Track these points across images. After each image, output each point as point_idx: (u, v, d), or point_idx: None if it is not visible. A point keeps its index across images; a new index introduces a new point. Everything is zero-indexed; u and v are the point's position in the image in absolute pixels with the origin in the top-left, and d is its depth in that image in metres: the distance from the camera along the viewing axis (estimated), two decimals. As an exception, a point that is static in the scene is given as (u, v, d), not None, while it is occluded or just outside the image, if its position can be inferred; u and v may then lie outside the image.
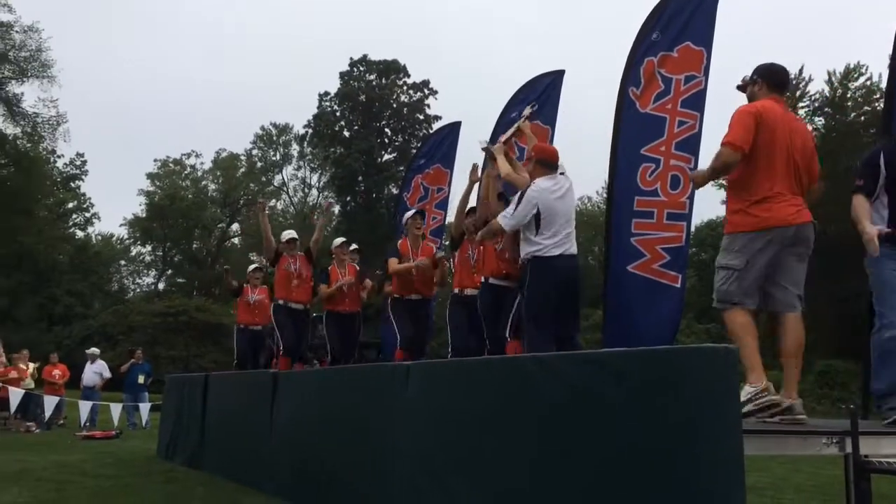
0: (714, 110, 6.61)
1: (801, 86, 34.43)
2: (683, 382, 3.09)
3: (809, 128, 33.82)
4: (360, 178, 44.06)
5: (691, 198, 6.87)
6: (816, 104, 34.17)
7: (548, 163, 5.92)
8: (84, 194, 48.02)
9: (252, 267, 10.41)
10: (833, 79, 33.22)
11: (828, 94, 33.51)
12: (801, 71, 34.45)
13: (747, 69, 4.61)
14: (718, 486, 2.91)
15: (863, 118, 31.84)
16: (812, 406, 27.28)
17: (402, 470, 4.79)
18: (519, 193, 5.77)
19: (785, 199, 4.18)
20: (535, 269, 5.58)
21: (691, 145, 6.95)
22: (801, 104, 34.61)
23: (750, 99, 4.46)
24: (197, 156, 55.52)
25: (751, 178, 4.20)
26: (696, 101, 6.97)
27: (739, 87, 4.61)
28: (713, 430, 2.97)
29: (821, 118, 34.39)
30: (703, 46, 6.97)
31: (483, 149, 6.56)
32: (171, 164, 55.30)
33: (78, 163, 46.22)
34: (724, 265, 4.27)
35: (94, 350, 17.18)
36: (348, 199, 45.19)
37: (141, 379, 16.29)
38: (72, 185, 46.98)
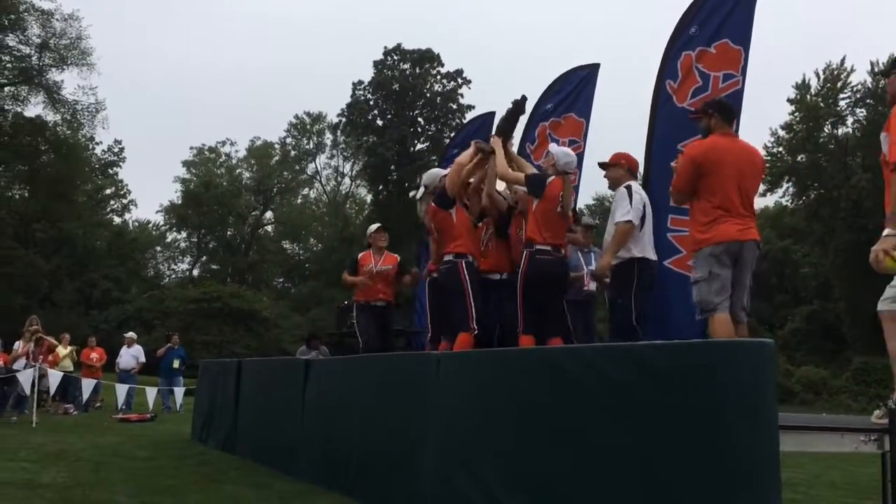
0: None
1: (842, 76, 33.80)
2: (719, 376, 3.07)
3: (850, 120, 32.98)
4: (392, 167, 44.14)
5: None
6: (858, 95, 33.52)
7: (635, 173, 5.93)
8: (122, 181, 48.83)
9: (375, 227, 8.33)
10: (876, 69, 32.51)
11: (870, 86, 32.81)
12: (842, 61, 33.86)
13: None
14: (754, 480, 2.89)
15: (906, 110, 31.11)
16: (848, 403, 26.91)
17: (432, 458, 4.81)
18: (623, 193, 5.62)
19: (731, 219, 4.69)
20: (643, 269, 5.48)
21: None
22: (842, 95, 33.98)
23: (705, 130, 5.05)
24: (231, 144, 56.21)
25: (702, 205, 4.77)
26: (734, 101, 6.87)
27: (693, 116, 5.31)
28: (749, 423, 2.94)
29: (862, 109, 33.72)
30: (742, 45, 6.89)
31: (479, 148, 6.35)
32: (206, 152, 55.96)
33: (116, 150, 46.94)
34: (693, 279, 4.78)
35: (132, 334, 17.48)
36: (381, 188, 45.32)
37: (176, 364, 16.56)
38: (110, 171, 47.71)
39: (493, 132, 6.72)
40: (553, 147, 6.57)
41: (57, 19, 34.07)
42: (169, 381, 16.37)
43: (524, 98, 6.64)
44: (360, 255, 8.13)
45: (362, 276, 7.76)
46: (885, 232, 3.81)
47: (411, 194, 8.15)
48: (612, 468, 3.42)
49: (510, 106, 6.60)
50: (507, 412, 4.24)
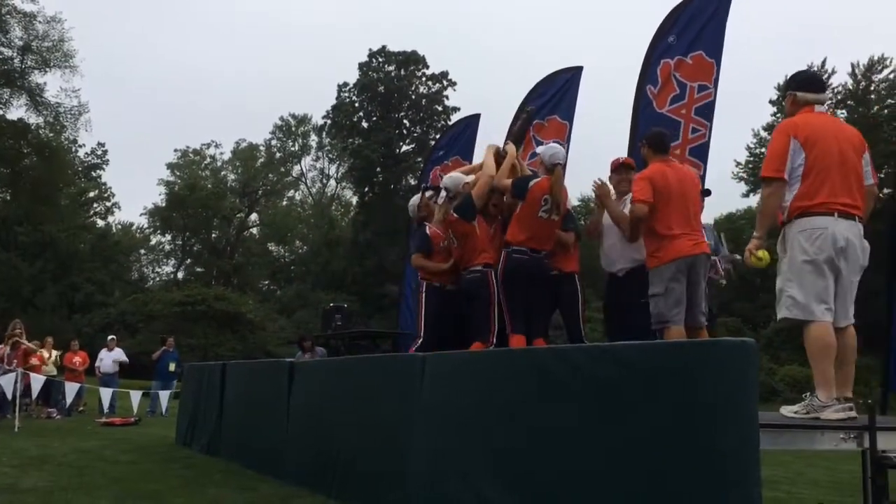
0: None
1: (823, 78, 34.06)
2: (700, 375, 3.10)
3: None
4: (378, 169, 44.12)
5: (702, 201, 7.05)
6: (839, 97, 33.79)
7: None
8: (105, 184, 48.58)
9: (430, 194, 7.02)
10: (857, 71, 32.84)
11: (851, 87, 33.12)
12: (823, 63, 34.07)
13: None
14: (735, 477, 2.91)
15: (886, 111, 31.45)
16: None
17: (419, 460, 4.81)
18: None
19: (684, 235, 5.11)
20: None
21: (702, 153, 7.16)
22: (823, 97, 34.20)
23: (644, 160, 5.47)
24: (216, 146, 56.02)
25: (658, 226, 5.14)
26: (707, 111, 7.18)
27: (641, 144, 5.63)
28: (729, 422, 2.97)
29: (843, 111, 33.99)
30: (714, 58, 7.26)
31: (497, 150, 6.43)
32: (190, 155, 55.73)
33: (99, 152, 46.70)
34: (650, 294, 5.11)
35: (112, 337, 17.40)
36: (366, 189, 45.28)
37: (171, 367, 16.45)
38: (93, 174, 47.44)
39: (507, 138, 6.89)
40: (539, 148, 6.62)
41: (39, 21, 33.86)
42: (164, 384, 16.25)
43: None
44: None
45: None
46: (754, 234, 4.25)
47: (425, 195, 7.79)
48: (598, 468, 3.44)
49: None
50: (494, 413, 4.25)
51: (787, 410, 4.13)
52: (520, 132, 6.65)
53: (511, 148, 6.37)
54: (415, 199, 7.11)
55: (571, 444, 3.62)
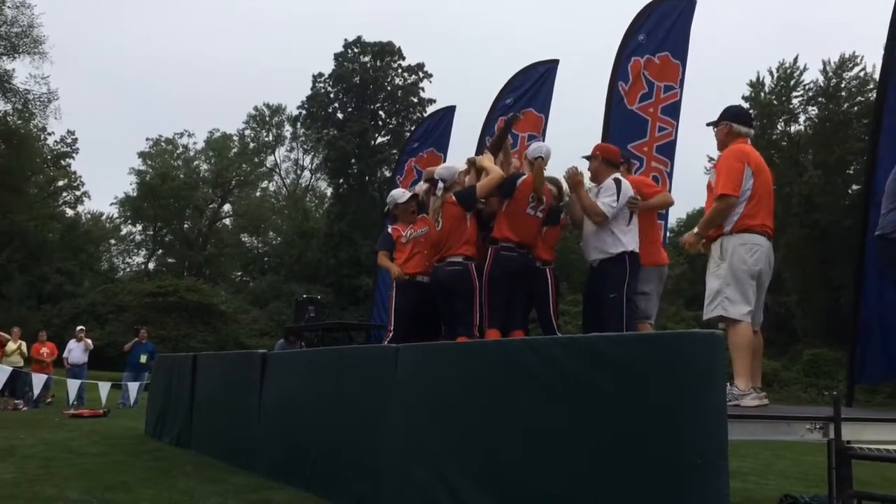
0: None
1: (795, 75, 34.48)
2: (670, 367, 3.12)
3: (802, 118, 33.85)
4: (353, 160, 43.92)
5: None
6: (811, 94, 34.23)
7: (613, 162, 5.85)
8: (74, 172, 47.71)
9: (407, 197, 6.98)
10: (828, 68, 33.25)
11: (822, 84, 33.54)
12: (795, 60, 34.53)
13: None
14: (701, 467, 2.94)
15: (856, 108, 31.90)
16: (799, 395, 27.55)
17: (392, 452, 4.81)
18: (611, 184, 5.61)
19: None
20: (634, 263, 5.53)
21: (669, 151, 7.31)
22: (794, 93, 34.68)
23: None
24: (189, 135, 55.41)
25: (649, 229, 5.87)
26: (673, 111, 7.35)
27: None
28: (698, 413, 3.00)
29: (814, 108, 34.45)
30: (680, 60, 7.43)
31: (471, 163, 6.44)
32: (163, 144, 55.10)
33: (69, 140, 45.85)
34: (642, 290, 5.67)
35: (81, 328, 17.18)
36: (341, 181, 45.07)
37: (143, 359, 16.25)
38: (62, 162, 46.63)
39: (487, 147, 6.98)
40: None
41: (8, 7, 33.30)
42: (135, 376, 16.08)
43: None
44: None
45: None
46: (694, 230, 4.87)
47: (420, 188, 7.67)
48: (569, 458, 3.46)
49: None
50: (466, 404, 4.26)
51: None
52: (500, 138, 6.66)
53: (483, 158, 6.38)
54: (396, 193, 7.05)
55: (543, 435, 3.63)
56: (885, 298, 5.57)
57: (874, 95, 6.53)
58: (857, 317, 5.80)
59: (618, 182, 5.60)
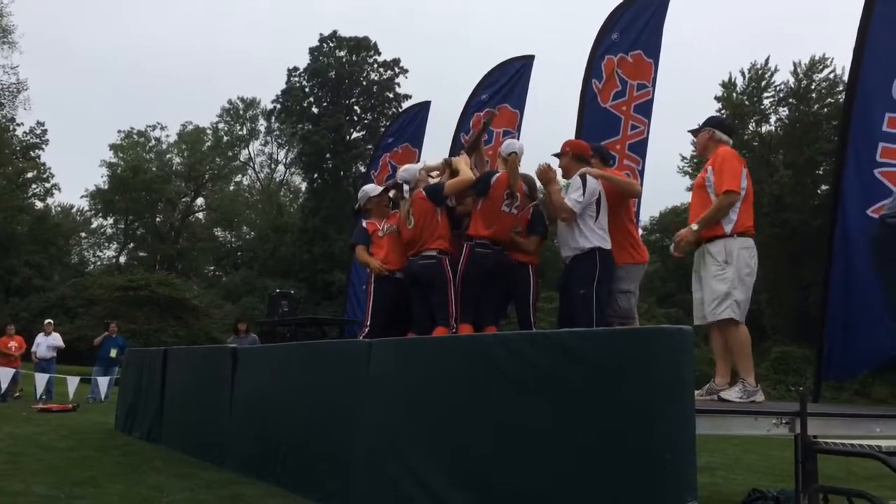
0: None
1: (766, 76, 34.90)
2: (639, 362, 3.16)
3: (773, 118, 34.28)
4: (328, 155, 43.65)
5: (638, 198, 7.34)
6: (781, 95, 34.65)
7: (582, 157, 5.84)
8: (44, 164, 46.89)
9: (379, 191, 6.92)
10: (798, 70, 33.67)
11: (793, 86, 33.98)
12: (766, 61, 34.93)
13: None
14: (671, 460, 2.98)
15: (826, 110, 32.35)
16: (768, 391, 27.95)
17: (364, 447, 4.81)
18: (577, 180, 5.59)
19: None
20: (604, 260, 5.50)
21: (641, 149, 7.40)
22: (765, 94, 35.10)
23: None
24: (162, 128, 54.69)
25: (630, 228, 5.89)
26: (646, 109, 7.44)
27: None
28: (667, 407, 3.03)
29: (785, 109, 34.87)
30: (653, 59, 7.51)
31: (447, 162, 6.46)
32: (134, 136, 54.35)
33: (38, 132, 45.05)
34: (625, 289, 5.71)
35: (49, 322, 16.94)
36: (315, 176, 44.78)
37: (113, 353, 16.03)
38: (31, 154, 45.83)
39: (464, 148, 6.97)
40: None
41: (-25, -5, 32.60)
42: (105, 371, 15.87)
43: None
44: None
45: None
46: (694, 227, 4.87)
47: (388, 195, 7.54)
48: (541, 452, 3.48)
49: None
50: (438, 400, 4.27)
51: (730, 395, 4.66)
52: (477, 138, 6.69)
53: (458, 160, 6.38)
54: (368, 188, 7.03)
55: (514, 431, 3.66)
56: (851, 297, 5.68)
57: (843, 97, 6.64)
58: (824, 314, 5.91)
59: (583, 177, 5.57)
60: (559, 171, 5.94)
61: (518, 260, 6.07)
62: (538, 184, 6.17)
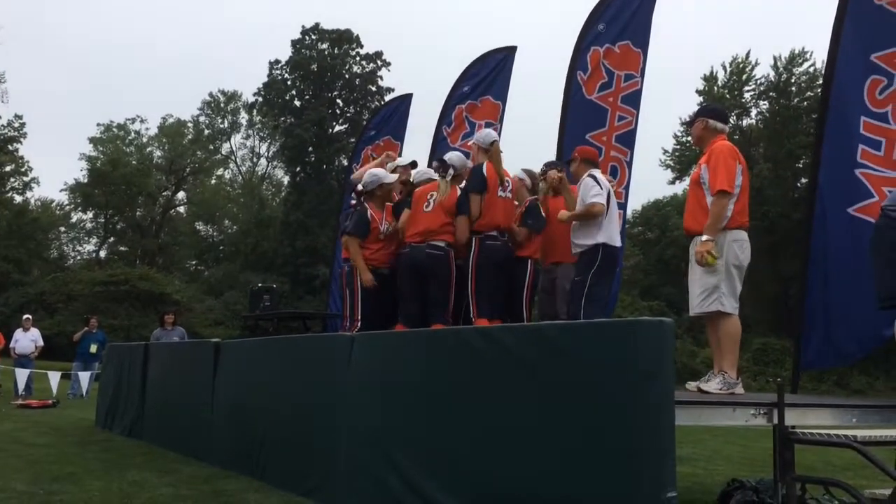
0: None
1: (747, 70, 35.12)
2: (619, 353, 3.17)
3: (754, 112, 34.46)
4: (310, 148, 43.50)
5: (627, 188, 7.35)
6: (762, 88, 34.89)
7: (591, 161, 6.01)
8: (22, 158, 46.35)
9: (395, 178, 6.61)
10: (779, 63, 33.92)
11: (773, 79, 34.22)
12: (747, 55, 35.17)
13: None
14: (651, 451, 3.00)
15: (805, 103, 32.61)
16: (749, 383, 28.22)
17: (346, 441, 4.80)
18: (590, 180, 5.71)
19: None
20: (607, 256, 5.61)
21: (629, 140, 7.39)
22: (746, 88, 35.33)
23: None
24: (142, 121, 54.10)
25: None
26: (634, 100, 7.42)
27: (567, 163, 6.12)
28: (646, 399, 3.05)
29: (765, 102, 35.11)
30: (641, 49, 7.49)
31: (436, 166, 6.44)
32: (114, 129, 53.70)
33: (16, 125, 44.47)
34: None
35: (28, 317, 16.77)
36: (298, 169, 44.61)
37: (93, 348, 15.86)
38: (9, 147, 45.26)
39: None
40: (473, 138, 6.61)
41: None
42: (85, 366, 15.73)
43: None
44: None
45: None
46: (704, 238, 4.72)
47: (435, 173, 7.40)
48: (523, 444, 3.50)
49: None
50: (421, 392, 4.27)
51: (709, 387, 4.70)
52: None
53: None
54: (380, 172, 6.73)
55: (496, 423, 3.67)
56: (828, 288, 5.74)
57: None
58: (802, 306, 5.97)
59: (593, 177, 5.74)
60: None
61: (518, 255, 6.13)
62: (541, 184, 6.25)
